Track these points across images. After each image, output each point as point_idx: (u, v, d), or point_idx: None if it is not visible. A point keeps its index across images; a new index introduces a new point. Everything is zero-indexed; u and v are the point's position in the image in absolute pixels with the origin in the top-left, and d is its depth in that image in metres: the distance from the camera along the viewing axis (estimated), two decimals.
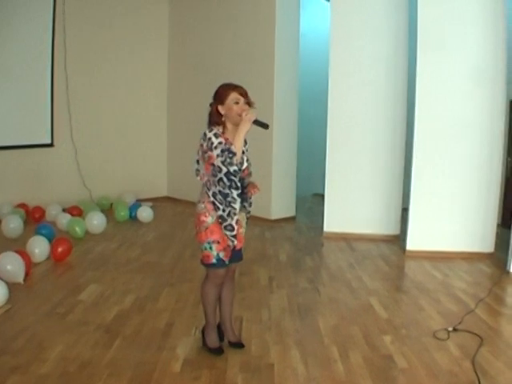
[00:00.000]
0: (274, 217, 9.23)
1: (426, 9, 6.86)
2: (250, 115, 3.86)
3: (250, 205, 4.15)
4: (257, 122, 3.90)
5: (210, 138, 3.87)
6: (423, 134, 7.02)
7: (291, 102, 9.21)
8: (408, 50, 7.81)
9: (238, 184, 3.91)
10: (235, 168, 3.85)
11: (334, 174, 8.09)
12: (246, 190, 4.06)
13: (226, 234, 3.99)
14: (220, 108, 3.94)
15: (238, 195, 3.92)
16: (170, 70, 10.79)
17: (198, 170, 4.03)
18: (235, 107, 3.91)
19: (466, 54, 6.87)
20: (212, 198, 3.93)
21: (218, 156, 3.83)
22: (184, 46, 10.48)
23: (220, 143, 3.85)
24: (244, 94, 3.95)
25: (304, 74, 9.90)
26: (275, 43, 8.80)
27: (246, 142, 4.10)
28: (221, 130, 3.94)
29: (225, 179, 3.87)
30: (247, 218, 4.22)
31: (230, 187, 3.89)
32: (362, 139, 8.02)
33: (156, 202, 10.52)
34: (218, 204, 3.92)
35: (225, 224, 3.96)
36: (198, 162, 4.03)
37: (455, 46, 6.87)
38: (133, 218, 9.09)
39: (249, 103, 3.96)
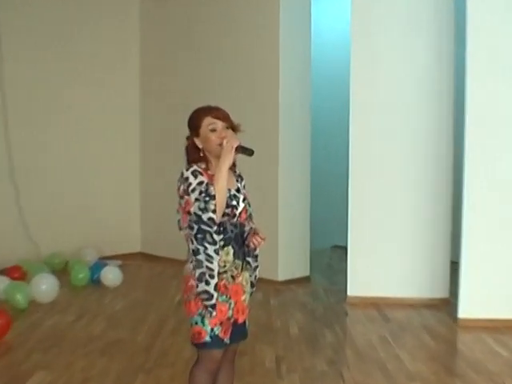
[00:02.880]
0: (281, 278, 9.24)
1: None
2: (230, 142, 3.85)
3: (256, 260, 4.17)
4: (240, 149, 3.89)
5: (187, 178, 3.86)
6: (476, 167, 7.06)
7: (302, 126, 9.30)
8: (455, 52, 7.92)
9: (215, 237, 3.83)
10: (210, 215, 3.78)
11: (359, 220, 8.10)
12: (246, 241, 4.04)
13: (204, 305, 3.90)
14: (196, 141, 3.98)
15: (215, 251, 3.84)
16: (143, 94, 11.04)
17: (179, 222, 4.00)
18: (213, 136, 3.93)
19: None
20: (192, 257, 3.88)
21: (196, 200, 3.80)
22: (161, 68, 10.75)
23: (200, 183, 3.84)
24: (222, 117, 3.96)
25: (318, 85, 10.06)
26: (279, 53, 8.94)
27: (241, 178, 4.16)
28: (203, 167, 3.95)
29: (200, 231, 3.81)
30: (252, 283, 4.25)
31: (202, 240, 3.81)
32: (395, 171, 8.07)
33: (126, 259, 10.55)
34: (195, 263, 3.87)
35: (198, 291, 3.87)
36: (178, 211, 4.01)
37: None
38: (95, 281, 9.10)
39: (233, 128, 3.97)
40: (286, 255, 9.27)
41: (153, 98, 10.90)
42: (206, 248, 3.82)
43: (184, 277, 3.97)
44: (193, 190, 3.82)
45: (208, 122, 3.93)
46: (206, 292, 3.85)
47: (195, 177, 3.85)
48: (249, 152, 3.91)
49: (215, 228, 3.81)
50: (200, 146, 3.96)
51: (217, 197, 3.79)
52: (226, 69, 9.69)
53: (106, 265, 9.36)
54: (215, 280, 3.86)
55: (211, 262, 3.84)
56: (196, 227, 3.80)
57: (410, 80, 7.98)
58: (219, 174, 3.83)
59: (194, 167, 3.90)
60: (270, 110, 9.04)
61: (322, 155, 10.85)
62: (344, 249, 8.77)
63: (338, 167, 9.76)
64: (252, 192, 4.32)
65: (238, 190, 4.04)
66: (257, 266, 4.19)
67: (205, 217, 3.78)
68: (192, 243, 3.85)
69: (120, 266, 9.67)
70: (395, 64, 8.02)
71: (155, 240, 10.90)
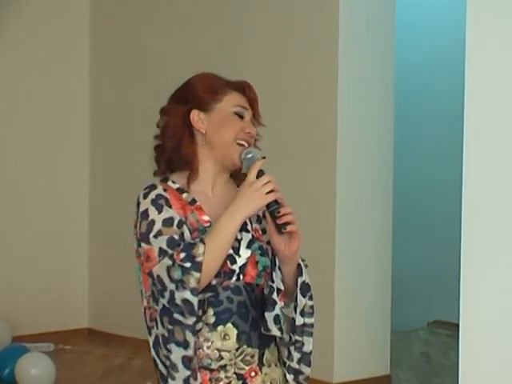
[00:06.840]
0: (339, 379, 7.15)
1: None
2: (269, 185, 2.67)
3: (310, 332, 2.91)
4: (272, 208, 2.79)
5: (144, 212, 2.70)
6: None
7: (379, 140, 7.53)
8: None
9: (190, 336, 2.66)
10: (187, 296, 2.64)
11: (478, 280, 5.79)
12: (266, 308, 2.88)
13: None
14: (198, 115, 2.81)
15: (185, 364, 2.68)
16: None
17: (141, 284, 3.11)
18: (236, 123, 2.81)
19: None
20: (153, 353, 2.89)
21: (161, 255, 2.64)
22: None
23: (168, 221, 2.67)
24: (255, 102, 2.90)
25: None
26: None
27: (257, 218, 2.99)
28: (183, 182, 2.80)
29: (165, 315, 2.75)
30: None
31: (170, 336, 2.74)
32: None
33: (64, 341, 8.63)
34: (162, 367, 2.82)
35: None
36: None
37: None
38: (5, 379, 7.36)
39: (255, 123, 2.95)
40: (347, 343, 7.30)
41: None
42: (169, 349, 2.81)
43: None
44: (156, 234, 2.71)
45: (235, 99, 2.87)
46: None
47: (158, 208, 2.72)
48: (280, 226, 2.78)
49: (192, 321, 2.72)
50: (202, 130, 2.81)
51: (206, 262, 2.66)
52: None
53: (26, 351, 7.57)
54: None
55: (174, 378, 2.86)
56: (162, 302, 2.76)
57: None
58: (226, 222, 2.71)
59: (158, 187, 2.75)
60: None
61: (410, 183, 9.33)
62: (450, 326, 8.18)
63: (439, 199, 9.02)
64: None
65: (243, 227, 2.88)
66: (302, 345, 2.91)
67: (178, 296, 2.70)
68: (157, 325, 2.81)
69: (51, 353, 7.95)
70: None
71: (112, 310, 9.18)
